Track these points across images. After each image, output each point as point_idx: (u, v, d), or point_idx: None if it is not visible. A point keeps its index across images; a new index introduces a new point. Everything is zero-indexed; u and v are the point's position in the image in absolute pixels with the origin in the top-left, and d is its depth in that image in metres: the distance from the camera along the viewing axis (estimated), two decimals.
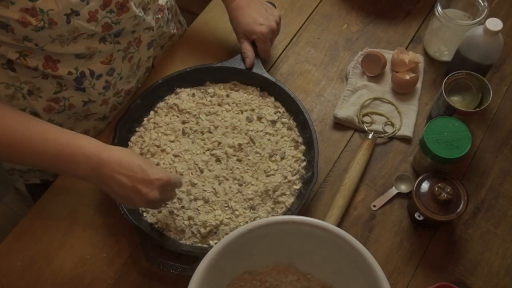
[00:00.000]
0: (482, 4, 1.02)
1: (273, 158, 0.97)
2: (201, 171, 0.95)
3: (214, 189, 0.94)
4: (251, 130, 0.99)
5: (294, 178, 0.95)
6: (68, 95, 0.93)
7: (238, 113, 1.02)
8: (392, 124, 1.05)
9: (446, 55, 1.10)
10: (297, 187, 0.94)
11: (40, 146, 0.78)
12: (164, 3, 1.04)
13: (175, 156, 0.97)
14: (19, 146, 0.78)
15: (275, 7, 1.11)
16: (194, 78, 1.06)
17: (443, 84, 0.95)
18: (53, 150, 0.78)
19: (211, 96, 1.04)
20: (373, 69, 1.08)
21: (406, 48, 1.14)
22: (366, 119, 1.05)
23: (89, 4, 0.80)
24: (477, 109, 0.95)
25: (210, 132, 1.00)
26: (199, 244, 0.90)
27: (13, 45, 0.81)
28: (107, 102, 0.98)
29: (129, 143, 1.00)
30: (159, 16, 1.00)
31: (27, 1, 0.73)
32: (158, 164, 0.96)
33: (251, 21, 1.02)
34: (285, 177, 0.95)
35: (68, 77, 0.89)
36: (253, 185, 0.94)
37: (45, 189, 0.99)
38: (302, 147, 0.98)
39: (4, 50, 0.82)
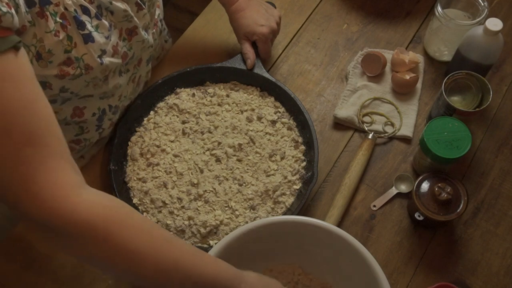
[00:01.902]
0: (482, 4, 1.02)
1: (273, 158, 0.97)
2: (201, 171, 0.95)
3: (214, 189, 0.94)
4: (251, 130, 0.99)
5: (294, 178, 0.95)
6: (89, 136, 0.93)
7: (238, 113, 1.02)
8: (392, 124, 1.05)
9: (446, 55, 1.10)
10: (297, 187, 0.94)
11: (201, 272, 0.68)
12: (157, 17, 1.04)
13: (175, 156, 0.97)
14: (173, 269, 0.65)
15: (275, 7, 1.11)
16: (194, 78, 1.06)
17: (443, 84, 0.95)
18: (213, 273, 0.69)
19: (211, 96, 1.04)
20: (373, 69, 1.08)
21: (406, 48, 1.14)
22: (366, 119, 1.05)
23: (111, 39, 0.81)
24: (477, 109, 0.95)
25: (210, 132, 1.00)
26: (199, 244, 0.90)
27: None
28: (113, 124, 0.99)
29: (129, 143, 1.00)
30: (154, 30, 1.00)
31: (62, 54, 0.74)
32: (158, 164, 0.96)
33: (251, 22, 1.02)
34: (285, 177, 0.95)
35: (92, 118, 0.89)
36: (253, 185, 0.94)
37: None
38: (302, 147, 0.98)
39: None
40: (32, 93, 0.59)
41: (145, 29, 0.91)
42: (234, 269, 0.71)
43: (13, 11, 0.60)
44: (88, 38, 0.76)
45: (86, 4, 0.75)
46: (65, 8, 0.72)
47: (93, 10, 0.76)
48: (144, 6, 0.88)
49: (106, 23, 0.79)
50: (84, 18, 0.75)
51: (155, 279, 0.63)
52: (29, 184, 0.56)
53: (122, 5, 0.81)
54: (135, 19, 0.85)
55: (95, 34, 0.77)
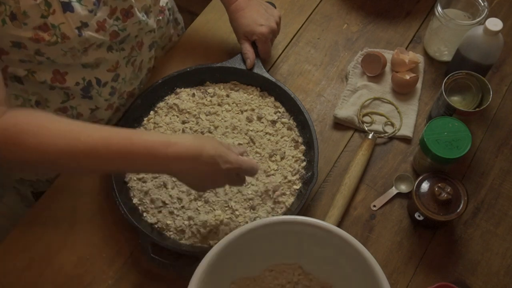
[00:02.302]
0: (482, 4, 1.02)
1: (273, 158, 0.97)
2: None
3: (214, 189, 0.94)
4: (251, 130, 0.99)
5: (294, 178, 0.95)
6: (75, 103, 0.93)
7: (238, 113, 1.02)
8: (392, 124, 1.05)
9: (446, 55, 1.10)
10: (297, 187, 0.94)
11: (135, 150, 0.73)
12: (164, 5, 1.04)
13: None
14: (105, 152, 0.72)
15: (275, 7, 1.11)
16: (194, 78, 1.06)
17: (443, 84, 0.95)
18: (145, 152, 0.74)
19: (211, 96, 1.04)
20: (373, 69, 1.08)
21: (406, 48, 1.14)
22: (366, 119, 1.05)
23: (97, 14, 0.80)
24: (477, 109, 0.95)
25: (210, 132, 1.00)
26: (199, 244, 0.90)
27: (22, 62, 0.81)
28: (112, 107, 0.99)
29: None
30: (160, 17, 1.00)
31: (38, 18, 0.74)
32: None
33: (251, 22, 1.02)
34: (285, 177, 0.95)
35: (75, 87, 0.89)
36: (253, 185, 0.94)
37: None
38: (302, 147, 0.98)
39: (12, 70, 0.83)
40: None
41: (145, 11, 0.90)
42: (162, 137, 0.78)
43: None
44: (67, 7, 0.75)
45: None
46: None
47: None
48: None
49: None
50: None
51: (82, 164, 0.73)
52: None
53: None
54: None
55: (75, 5, 0.76)
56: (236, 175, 0.82)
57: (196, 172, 0.77)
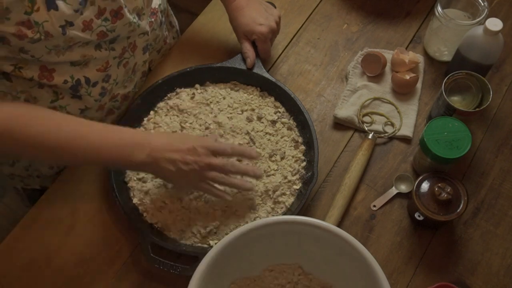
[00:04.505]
0: (482, 4, 1.02)
1: (273, 158, 0.97)
2: None
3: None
4: (251, 130, 0.99)
5: (294, 178, 0.95)
6: (64, 103, 0.93)
7: (238, 113, 1.02)
8: (392, 124, 1.05)
9: (446, 55, 1.10)
10: (297, 187, 0.94)
11: (96, 141, 0.82)
12: (157, 7, 1.03)
13: None
14: (71, 145, 0.80)
15: (275, 7, 1.11)
16: (194, 78, 1.06)
17: (443, 84, 0.95)
18: (107, 143, 0.82)
19: (211, 96, 1.04)
20: (373, 69, 1.09)
21: (406, 48, 1.14)
22: (366, 119, 1.05)
23: (83, 14, 0.80)
24: (477, 109, 0.95)
25: (210, 132, 0.99)
26: (199, 244, 0.90)
27: (8, 58, 0.81)
28: (103, 108, 0.98)
29: None
30: (153, 19, 1.00)
31: (22, 14, 0.73)
32: None
33: (251, 21, 1.02)
34: (285, 177, 0.95)
35: (64, 85, 0.89)
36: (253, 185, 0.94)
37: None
38: (302, 147, 0.98)
39: None
40: None
41: (136, 13, 0.90)
42: (138, 136, 0.86)
43: None
44: (51, 5, 0.75)
45: None
46: None
47: None
48: None
49: None
50: None
51: (59, 156, 0.83)
52: None
53: None
54: None
55: (60, 3, 0.76)
56: (206, 182, 0.87)
57: (176, 154, 0.84)
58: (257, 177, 0.90)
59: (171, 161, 0.83)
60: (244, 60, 1.05)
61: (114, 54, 0.92)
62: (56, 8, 0.76)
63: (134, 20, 0.89)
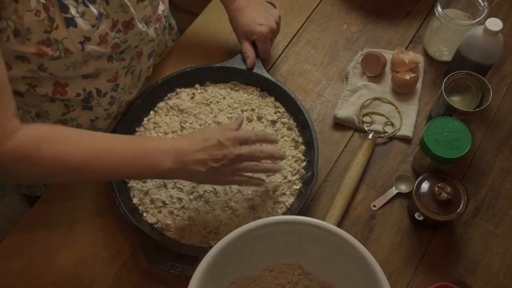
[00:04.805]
0: (482, 4, 1.02)
1: None
2: None
3: (214, 189, 0.94)
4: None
5: (294, 178, 0.95)
6: (75, 115, 0.93)
7: (238, 113, 1.02)
8: (392, 124, 1.05)
9: (446, 55, 1.10)
10: (297, 187, 0.94)
11: (122, 154, 0.79)
12: (161, 12, 1.03)
13: None
14: (97, 161, 0.77)
15: (275, 7, 1.11)
16: (194, 78, 1.06)
17: (443, 84, 0.95)
18: (132, 154, 0.80)
19: (211, 96, 1.04)
20: (373, 69, 1.08)
21: (406, 48, 1.14)
22: (366, 119, 1.05)
23: (99, 28, 0.81)
24: (477, 109, 0.95)
25: None
26: (199, 244, 0.90)
27: (23, 78, 0.81)
28: (111, 116, 0.99)
29: None
30: (157, 26, 1.00)
31: (42, 33, 0.74)
32: None
33: (251, 21, 1.02)
34: (285, 177, 0.95)
35: (76, 98, 0.90)
36: None
37: None
38: (302, 147, 0.98)
39: (13, 86, 0.82)
40: None
41: (145, 22, 0.91)
42: (162, 144, 0.83)
43: None
44: (70, 22, 0.75)
45: None
46: None
47: None
48: None
49: (94, 11, 0.79)
50: (69, 1, 0.75)
51: (86, 173, 0.78)
52: None
53: None
54: (132, 9, 0.84)
55: (78, 20, 0.76)
56: (239, 174, 0.85)
57: (203, 154, 0.81)
58: (282, 157, 0.88)
59: (200, 162, 0.80)
60: (244, 60, 1.05)
61: (123, 64, 0.93)
62: (75, 25, 0.76)
63: (144, 29, 0.90)
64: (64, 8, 0.75)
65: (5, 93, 0.71)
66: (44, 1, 0.72)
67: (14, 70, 0.79)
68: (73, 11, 0.76)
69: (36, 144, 0.72)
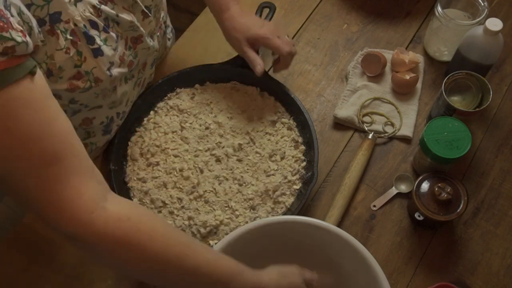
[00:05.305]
0: (482, 4, 1.02)
1: (273, 158, 0.97)
2: (201, 171, 0.95)
3: (214, 189, 0.94)
4: (251, 130, 0.99)
5: (294, 178, 0.95)
6: (95, 140, 0.94)
7: (238, 113, 1.02)
8: (392, 124, 1.05)
9: (446, 55, 1.10)
10: (297, 187, 0.94)
11: (200, 264, 0.68)
12: (161, 19, 1.03)
13: (175, 156, 0.97)
14: (179, 264, 0.66)
15: (275, 7, 1.11)
16: (194, 78, 1.06)
17: (443, 84, 0.95)
18: (225, 277, 0.70)
19: (211, 96, 1.04)
20: (373, 69, 1.09)
21: (406, 48, 1.14)
22: (366, 119, 1.05)
23: (118, 50, 0.81)
24: (477, 109, 0.95)
25: (210, 132, 0.99)
26: None
27: None
28: (118, 125, 0.99)
29: (129, 143, 1.00)
30: (158, 33, 0.99)
31: (72, 68, 0.74)
32: (158, 164, 0.96)
33: (251, 25, 0.96)
34: (285, 177, 0.95)
35: (99, 126, 0.91)
36: (253, 185, 0.94)
37: None
38: (302, 147, 0.98)
39: None
40: (50, 113, 0.60)
41: (150, 35, 0.91)
42: (232, 267, 0.71)
43: (28, 39, 0.58)
44: (97, 52, 0.76)
45: (94, 18, 0.75)
46: (75, 24, 0.72)
47: (101, 23, 0.76)
48: (150, 14, 0.87)
49: (113, 35, 0.79)
50: (93, 32, 0.75)
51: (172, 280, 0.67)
52: (55, 201, 0.59)
53: (128, 16, 0.81)
54: (141, 28, 0.85)
55: (104, 48, 0.77)
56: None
57: None
58: None
59: None
60: (244, 60, 1.00)
61: (134, 80, 0.94)
62: (102, 53, 0.77)
63: (151, 44, 0.90)
64: (91, 40, 0.75)
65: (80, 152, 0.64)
66: (71, 37, 0.72)
67: None
68: (98, 40, 0.76)
69: (130, 229, 0.62)
